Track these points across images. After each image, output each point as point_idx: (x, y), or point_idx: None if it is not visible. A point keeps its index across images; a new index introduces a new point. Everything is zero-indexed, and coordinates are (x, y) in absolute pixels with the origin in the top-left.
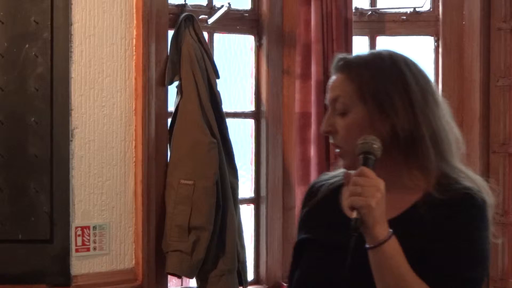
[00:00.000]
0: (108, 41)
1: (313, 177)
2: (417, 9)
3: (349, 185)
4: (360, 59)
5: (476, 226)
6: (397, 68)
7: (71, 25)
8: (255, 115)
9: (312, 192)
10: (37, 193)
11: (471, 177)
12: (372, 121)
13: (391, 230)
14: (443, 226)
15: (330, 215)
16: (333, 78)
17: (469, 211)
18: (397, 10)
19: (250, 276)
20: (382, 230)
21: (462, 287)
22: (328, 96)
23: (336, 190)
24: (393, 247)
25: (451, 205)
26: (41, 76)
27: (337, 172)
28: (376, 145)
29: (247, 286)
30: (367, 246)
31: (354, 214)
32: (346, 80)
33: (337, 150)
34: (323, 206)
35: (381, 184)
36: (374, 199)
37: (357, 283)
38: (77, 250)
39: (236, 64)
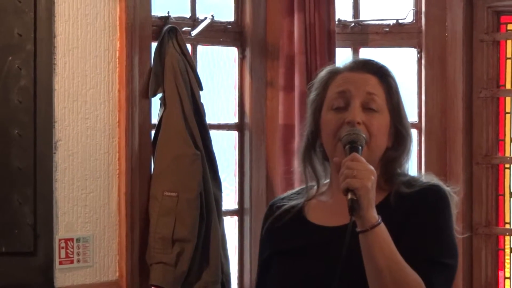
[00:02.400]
0: (91, 53)
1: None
2: (400, 21)
3: (341, 170)
4: (387, 69)
5: (444, 215)
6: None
7: (55, 37)
8: (239, 127)
9: (271, 212)
10: (20, 205)
11: (429, 176)
12: (389, 130)
13: (379, 215)
14: (413, 216)
15: (296, 227)
16: (362, 75)
17: (436, 201)
18: (380, 22)
19: (234, 287)
20: (374, 213)
21: (436, 272)
22: (361, 89)
23: (299, 205)
24: (384, 230)
25: (419, 197)
26: (24, 89)
27: (295, 191)
28: (362, 136)
29: None
30: (358, 230)
31: (349, 196)
32: (379, 83)
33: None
34: (287, 221)
35: (373, 169)
36: (369, 181)
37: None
38: (60, 263)
39: (219, 76)
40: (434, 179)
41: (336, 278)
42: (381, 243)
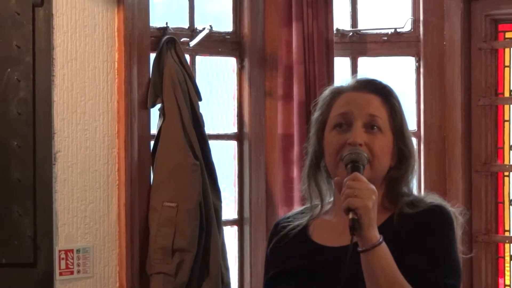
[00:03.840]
0: (90, 64)
1: (296, 197)
2: (398, 30)
3: (342, 189)
4: (391, 89)
5: (447, 235)
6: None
7: (53, 49)
8: (238, 136)
9: (276, 231)
10: (20, 216)
11: (434, 197)
12: (391, 150)
13: (381, 235)
14: (415, 237)
15: (300, 246)
16: (365, 95)
17: (439, 222)
18: (378, 31)
19: None
20: (376, 233)
21: None
22: (363, 110)
23: (303, 224)
24: (385, 249)
25: (422, 217)
26: (23, 100)
27: (299, 210)
28: (364, 155)
29: None
30: (360, 249)
31: (350, 215)
32: (382, 103)
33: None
34: (291, 240)
35: (374, 188)
36: (371, 200)
37: None
38: (61, 274)
39: (218, 86)
40: (438, 199)
41: None
42: (382, 263)
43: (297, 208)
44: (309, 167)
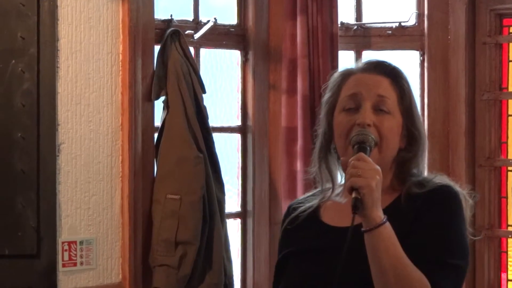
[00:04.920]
0: (94, 56)
1: (299, 191)
2: (403, 24)
3: (347, 169)
4: (400, 71)
5: (454, 215)
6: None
7: (58, 40)
8: (242, 129)
9: (288, 213)
10: (23, 208)
11: (442, 178)
12: (401, 131)
13: (385, 215)
14: (423, 216)
15: (311, 227)
16: (374, 77)
17: (446, 201)
18: (382, 25)
19: None
20: (379, 212)
21: (444, 273)
22: (372, 91)
23: (315, 206)
24: (389, 230)
25: (429, 197)
26: (27, 92)
27: (311, 193)
28: (371, 137)
29: None
30: (363, 229)
31: (353, 195)
32: (391, 85)
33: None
34: (302, 221)
35: (379, 168)
36: (374, 180)
37: (349, 278)
38: (64, 265)
39: (222, 79)
40: (446, 180)
41: (336, 277)
42: (386, 243)
43: (309, 192)
44: (319, 149)
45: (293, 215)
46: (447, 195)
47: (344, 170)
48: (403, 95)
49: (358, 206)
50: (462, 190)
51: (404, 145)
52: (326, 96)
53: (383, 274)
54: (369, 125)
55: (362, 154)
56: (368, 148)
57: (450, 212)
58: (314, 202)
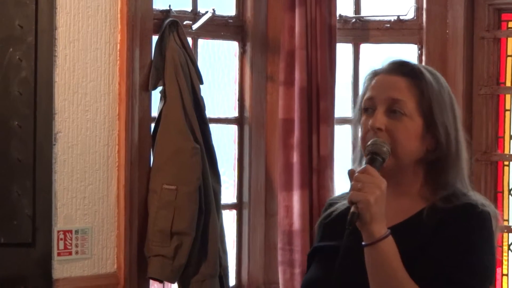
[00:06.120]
0: (92, 45)
1: (296, 183)
2: (401, 17)
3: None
4: (423, 70)
5: (476, 234)
6: (447, 89)
7: (56, 29)
8: (239, 121)
9: (326, 208)
10: (19, 196)
11: (477, 195)
12: (422, 134)
13: (389, 230)
14: (443, 232)
15: (340, 226)
16: (391, 78)
17: (469, 220)
18: (381, 18)
19: (232, 281)
20: (379, 228)
21: None
22: (385, 94)
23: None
24: (389, 246)
25: (452, 214)
26: (25, 80)
27: None
28: (386, 148)
29: None
30: (363, 243)
31: (352, 209)
32: (410, 86)
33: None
34: (335, 218)
35: (382, 183)
36: (373, 195)
37: (346, 281)
38: (59, 254)
39: (220, 70)
40: (478, 198)
41: (332, 282)
42: (383, 258)
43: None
44: (355, 151)
45: (329, 210)
46: (471, 213)
47: (351, 180)
48: (422, 96)
49: (353, 221)
50: (494, 210)
51: (430, 147)
52: (360, 95)
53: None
54: (379, 129)
55: (368, 167)
56: (380, 160)
57: (469, 232)
58: None
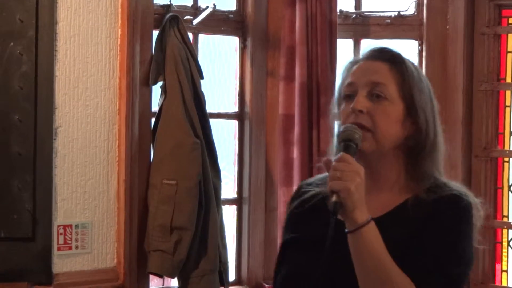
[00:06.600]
0: (92, 40)
1: (296, 178)
2: (402, 13)
3: (329, 170)
4: (404, 57)
5: (460, 225)
6: (427, 82)
7: (56, 24)
8: (239, 116)
9: (298, 195)
10: (20, 191)
11: (457, 185)
12: (403, 119)
13: (370, 216)
14: (427, 223)
15: (317, 216)
16: (372, 63)
17: (453, 211)
18: (381, 14)
19: (232, 276)
20: (361, 214)
21: (443, 282)
22: (366, 78)
23: (324, 194)
24: (372, 232)
25: (437, 205)
26: (25, 75)
27: (323, 176)
28: (358, 134)
29: (228, 287)
30: (346, 230)
31: (333, 198)
32: (391, 70)
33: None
34: (310, 207)
35: (361, 170)
36: (353, 183)
37: (335, 272)
38: (59, 249)
39: (220, 65)
40: (459, 188)
41: (319, 273)
42: (367, 244)
43: (321, 174)
44: (334, 139)
45: (302, 198)
46: (456, 204)
47: (327, 170)
48: (403, 80)
49: (336, 210)
50: (475, 200)
51: (410, 133)
52: (337, 86)
53: (365, 275)
54: (361, 111)
55: (344, 154)
56: (354, 146)
57: (455, 222)
58: (324, 187)
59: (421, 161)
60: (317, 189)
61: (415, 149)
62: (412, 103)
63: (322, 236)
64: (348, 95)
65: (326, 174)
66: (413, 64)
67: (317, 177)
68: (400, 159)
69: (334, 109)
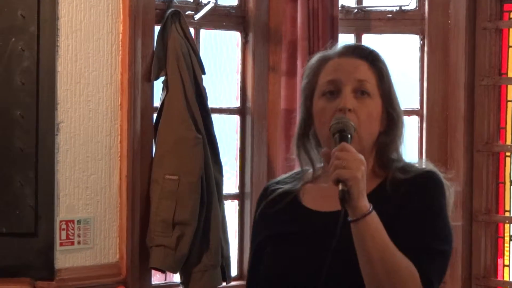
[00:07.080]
0: (94, 35)
1: None
2: (403, 8)
3: (331, 160)
4: (378, 54)
5: (439, 201)
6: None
7: (58, 19)
8: (241, 111)
9: (266, 195)
10: (22, 186)
11: (427, 162)
12: (381, 114)
13: (371, 204)
14: (407, 202)
15: (291, 211)
16: (352, 60)
17: (431, 187)
18: (383, 9)
19: (234, 271)
20: (366, 202)
21: (430, 258)
22: (350, 75)
23: (294, 189)
24: (375, 218)
25: (414, 183)
26: (27, 70)
27: (288, 174)
28: (350, 123)
29: (230, 282)
30: (350, 219)
31: (340, 187)
32: (370, 68)
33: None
34: (282, 205)
35: (363, 158)
36: (359, 171)
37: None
38: (61, 244)
39: (222, 60)
40: (429, 165)
41: (325, 267)
42: (372, 232)
43: (287, 173)
44: (298, 135)
45: (270, 197)
46: (431, 181)
47: (326, 160)
48: (382, 78)
49: (346, 198)
50: (444, 175)
51: (384, 128)
52: (304, 82)
53: (371, 263)
54: (350, 110)
55: (345, 144)
56: (349, 136)
57: (435, 198)
58: (293, 185)
59: (392, 148)
60: (287, 187)
61: (386, 141)
62: (390, 99)
63: (302, 230)
64: (331, 92)
65: (292, 172)
66: (384, 59)
67: (283, 176)
68: (373, 152)
69: (303, 103)
